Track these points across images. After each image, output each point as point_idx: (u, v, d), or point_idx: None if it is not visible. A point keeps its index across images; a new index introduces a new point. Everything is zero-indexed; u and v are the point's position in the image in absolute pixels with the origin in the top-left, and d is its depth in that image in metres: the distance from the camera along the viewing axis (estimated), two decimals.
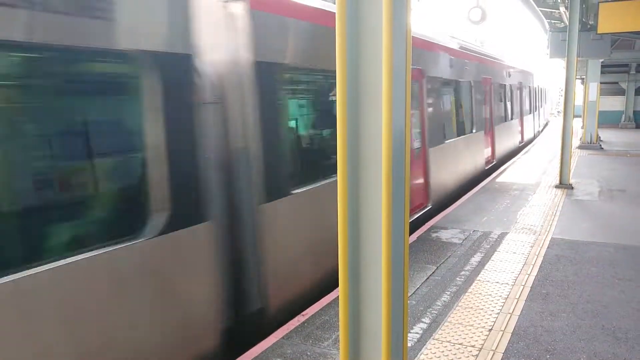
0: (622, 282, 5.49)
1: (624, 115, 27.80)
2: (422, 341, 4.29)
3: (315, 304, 5.05)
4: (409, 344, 4.22)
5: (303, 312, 4.87)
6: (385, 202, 2.41)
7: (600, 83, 18.53)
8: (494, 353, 4.06)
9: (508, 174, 12.69)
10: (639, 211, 8.67)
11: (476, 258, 6.34)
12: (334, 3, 3.47)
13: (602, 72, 18.57)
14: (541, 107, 27.97)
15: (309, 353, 4.13)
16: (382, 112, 2.40)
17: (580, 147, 17.89)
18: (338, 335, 4.38)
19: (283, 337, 4.39)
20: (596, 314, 4.74)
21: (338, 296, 5.12)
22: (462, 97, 11.18)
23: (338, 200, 2.51)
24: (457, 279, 5.65)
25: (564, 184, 10.89)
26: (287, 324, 4.63)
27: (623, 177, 12.11)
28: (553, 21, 21.62)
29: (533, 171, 13.16)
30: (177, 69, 3.59)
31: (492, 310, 4.82)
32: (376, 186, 2.48)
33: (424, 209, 8.57)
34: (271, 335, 4.44)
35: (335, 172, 2.55)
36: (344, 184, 2.50)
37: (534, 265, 6.04)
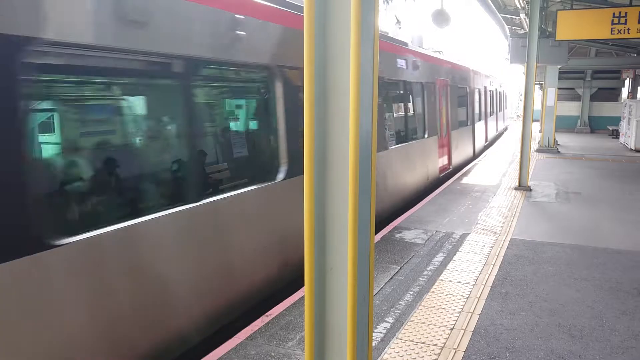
0: (577, 281, 5.67)
1: (579, 120, 28.73)
2: (385, 340, 4.32)
3: (279, 305, 5.03)
4: (373, 344, 4.24)
5: (267, 313, 4.84)
6: (351, 203, 2.42)
7: (558, 89, 19.09)
8: (455, 351, 4.13)
9: (470, 176, 12.94)
10: (593, 213, 8.98)
11: (439, 258, 6.44)
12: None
13: (559, 78, 19.15)
14: (491, 115, 21.53)
15: (273, 354, 4.11)
16: (349, 113, 2.40)
17: (538, 151, 18.40)
18: (302, 336, 4.37)
19: (247, 338, 4.35)
20: (553, 312, 4.88)
21: (302, 297, 5.13)
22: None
23: (304, 200, 2.51)
24: (420, 278, 5.73)
25: (523, 186, 11.19)
26: (250, 325, 4.60)
27: (579, 179, 12.52)
28: (514, 27, 22.18)
29: (494, 173, 13.46)
30: None
31: (454, 310, 4.90)
32: (343, 187, 2.48)
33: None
34: (234, 336, 4.40)
35: None
36: (311, 184, 2.50)
37: (494, 265, 6.18)
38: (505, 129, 30.64)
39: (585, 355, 4.09)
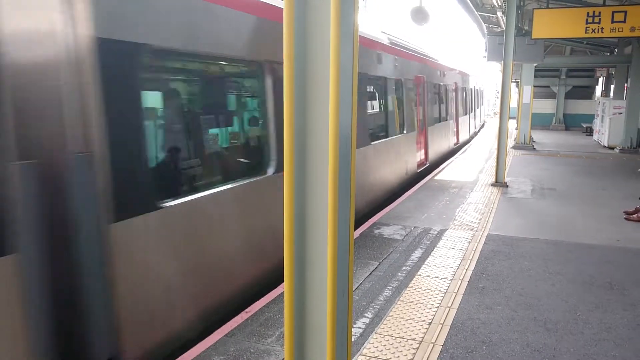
0: (552, 275, 5.78)
1: (554, 118, 29.21)
2: (364, 335, 4.35)
3: (258, 301, 5.02)
4: (352, 339, 4.27)
5: (246, 310, 4.84)
6: (331, 199, 2.43)
7: (534, 86, 19.37)
8: (433, 346, 4.18)
9: (447, 172, 13.08)
10: (568, 208, 9.15)
11: (417, 254, 6.50)
12: None
13: (535, 76, 19.41)
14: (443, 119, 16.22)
15: (252, 350, 4.11)
16: (328, 110, 2.41)
17: (514, 147, 18.66)
18: (282, 332, 4.38)
19: (226, 335, 4.34)
20: (529, 306, 4.97)
21: (281, 293, 5.13)
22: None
23: (284, 196, 2.51)
24: (399, 274, 5.78)
25: (499, 182, 11.35)
26: (229, 322, 4.59)
27: (554, 176, 12.74)
28: (491, 25, 22.45)
29: (471, 169, 13.62)
30: None
31: (432, 304, 4.96)
32: (322, 183, 2.49)
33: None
34: (213, 333, 4.38)
35: None
36: (291, 180, 2.50)
37: (471, 260, 6.26)
38: (473, 137, 24.37)
39: (560, 348, 4.18)
